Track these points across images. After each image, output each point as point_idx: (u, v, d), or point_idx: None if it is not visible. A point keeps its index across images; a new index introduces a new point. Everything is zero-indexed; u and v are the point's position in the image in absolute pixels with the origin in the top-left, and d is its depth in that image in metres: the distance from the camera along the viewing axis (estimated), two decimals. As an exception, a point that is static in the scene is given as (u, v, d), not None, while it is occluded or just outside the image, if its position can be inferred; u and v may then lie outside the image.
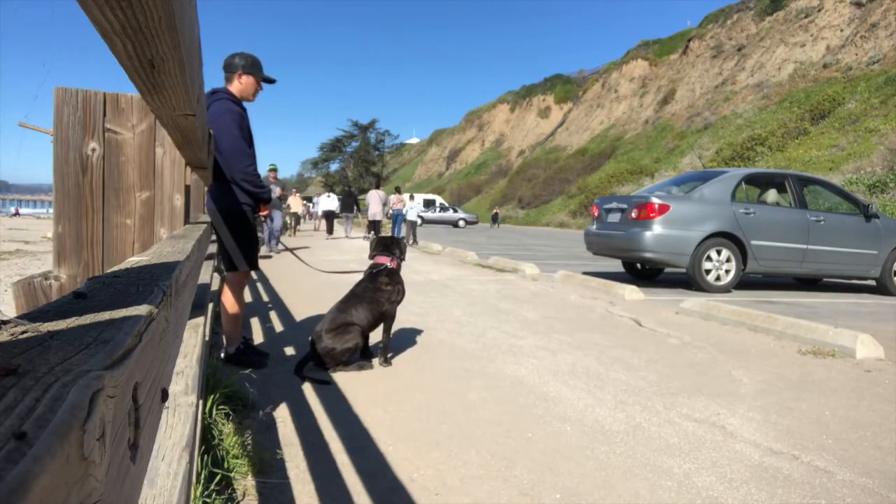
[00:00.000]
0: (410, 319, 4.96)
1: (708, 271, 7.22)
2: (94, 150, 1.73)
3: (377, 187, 17.93)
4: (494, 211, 41.66)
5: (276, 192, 11.85)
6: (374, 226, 16.81)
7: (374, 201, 16.75)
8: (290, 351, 3.94)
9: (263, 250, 11.39)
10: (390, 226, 18.28)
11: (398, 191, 18.29)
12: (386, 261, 3.71)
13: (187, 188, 2.01)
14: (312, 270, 8.39)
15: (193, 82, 0.92)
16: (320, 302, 5.43)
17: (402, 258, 3.80)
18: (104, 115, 1.74)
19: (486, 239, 21.44)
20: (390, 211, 17.50)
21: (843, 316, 5.85)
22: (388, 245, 3.81)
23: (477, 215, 42.49)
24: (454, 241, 17.60)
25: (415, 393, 3.10)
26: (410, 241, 16.10)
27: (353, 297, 3.60)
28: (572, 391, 3.18)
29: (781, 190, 7.84)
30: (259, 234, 8.85)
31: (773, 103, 33.13)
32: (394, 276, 3.67)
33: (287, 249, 8.65)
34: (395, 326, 3.97)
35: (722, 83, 40.42)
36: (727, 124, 34.43)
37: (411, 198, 18.59)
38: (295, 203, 21.04)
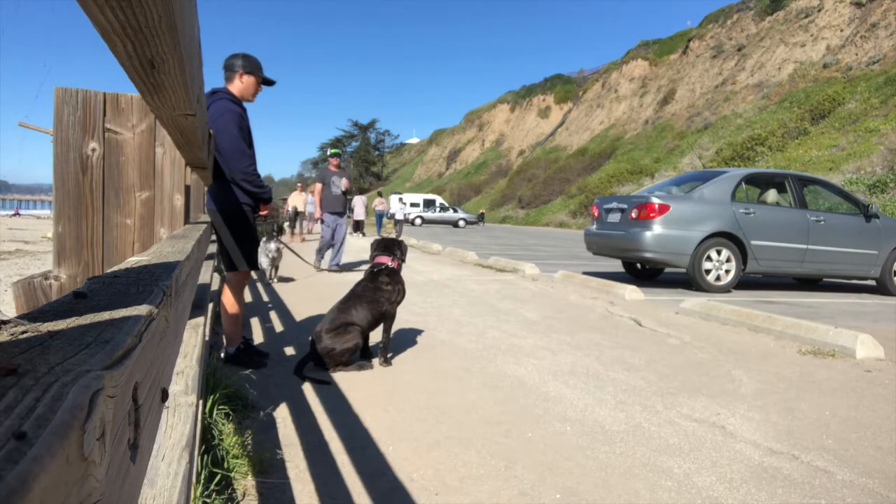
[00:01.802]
0: (410, 319, 4.96)
1: (708, 271, 7.22)
2: (94, 150, 1.74)
3: (360, 193, 23.91)
4: (481, 211, 45.12)
5: (341, 184, 8.59)
6: (358, 224, 21.16)
7: (358, 205, 21.20)
8: (290, 351, 3.94)
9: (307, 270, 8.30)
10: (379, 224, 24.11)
11: (380, 195, 24.50)
12: (387, 261, 3.71)
13: (187, 188, 2.01)
14: (313, 270, 8.40)
15: (193, 82, 0.92)
16: (320, 302, 5.42)
17: (403, 259, 3.81)
18: (104, 115, 1.74)
19: (486, 239, 21.44)
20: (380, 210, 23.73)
21: (843, 316, 5.85)
22: (389, 246, 3.82)
23: (485, 214, 42.94)
24: (454, 241, 17.60)
25: (415, 393, 3.10)
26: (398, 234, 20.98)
27: (354, 297, 3.60)
28: (572, 391, 3.18)
29: (781, 190, 7.84)
30: (278, 248, 7.09)
31: (773, 103, 33.14)
32: (394, 275, 3.67)
33: (337, 269, 7.72)
34: (396, 326, 3.97)
35: (722, 83, 40.43)
36: (727, 124, 34.43)
37: (400, 200, 26.96)
38: (299, 200, 19.49)
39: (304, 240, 19.16)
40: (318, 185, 8.76)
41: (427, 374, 3.44)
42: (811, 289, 8.32)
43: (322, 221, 8.80)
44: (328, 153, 9.17)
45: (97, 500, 0.30)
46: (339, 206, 8.72)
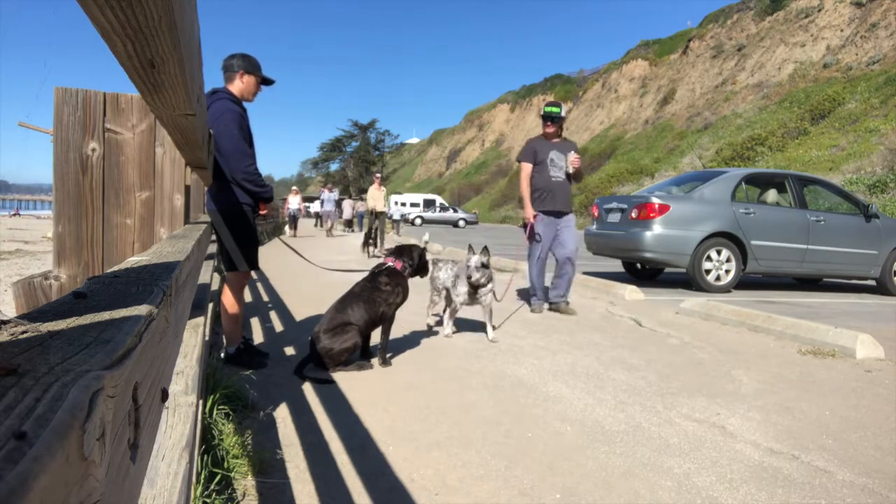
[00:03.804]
0: (410, 319, 4.96)
1: (708, 271, 7.22)
2: (94, 149, 1.73)
3: (350, 197, 28.43)
4: (474, 211, 46.18)
5: (569, 162, 5.38)
6: (348, 223, 25.70)
7: (346, 207, 25.86)
8: (290, 351, 3.94)
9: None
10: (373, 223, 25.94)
11: (362, 199, 26.56)
12: (390, 261, 3.71)
13: (187, 188, 2.01)
14: (313, 270, 8.40)
15: (193, 82, 0.92)
16: (321, 302, 5.42)
17: (410, 265, 3.76)
18: (104, 115, 1.74)
19: (486, 239, 21.44)
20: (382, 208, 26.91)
21: (843, 316, 5.85)
22: (401, 251, 3.78)
23: (477, 214, 42.94)
24: (454, 242, 17.59)
25: (415, 393, 3.10)
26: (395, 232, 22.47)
27: (351, 296, 3.59)
28: (572, 391, 3.18)
29: (781, 190, 7.84)
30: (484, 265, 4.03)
31: (773, 103, 33.12)
32: (395, 276, 3.65)
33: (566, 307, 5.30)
34: (396, 326, 3.96)
35: (722, 83, 40.42)
36: (727, 124, 34.42)
37: (395, 202, 31.79)
38: (376, 198, 13.84)
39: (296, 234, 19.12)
40: (527, 167, 5.49)
41: (427, 374, 3.44)
42: (811, 289, 8.32)
43: (528, 226, 5.51)
44: (542, 112, 5.52)
45: (97, 500, 0.30)
46: (562, 202, 5.40)
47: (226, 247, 3.45)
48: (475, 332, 4.61)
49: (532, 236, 5.47)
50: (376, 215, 13.57)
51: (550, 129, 5.49)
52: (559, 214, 5.47)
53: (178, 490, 1.00)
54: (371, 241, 12.57)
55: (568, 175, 5.47)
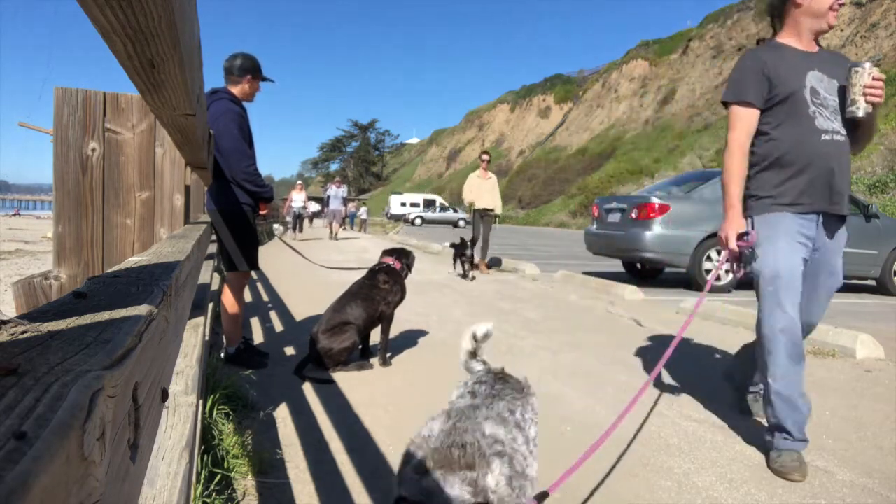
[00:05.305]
0: (411, 319, 4.96)
1: (708, 271, 7.22)
2: (94, 149, 1.73)
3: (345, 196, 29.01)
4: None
5: (864, 85, 2.31)
6: (343, 221, 24.61)
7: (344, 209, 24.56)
8: (290, 351, 3.94)
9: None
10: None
11: (359, 199, 31.85)
12: (390, 261, 3.72)
13: (187, 188, 2.01)
14: (313, 270, 8.39)
15: (193, 82, 0.92)
16: (321, 301, 5.41)
17: (408, 266, 3.80)
18: (104, 114, 1.74)
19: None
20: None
21: (843, 316, 5.84)
22: (399, 254, 3.82)
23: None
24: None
25: (415, 393, 3.10)
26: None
27: (349, 295, 3.59)
28: (572, 391, 3.18)
29: (781, 190, 7.82)
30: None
31: (773, 103, 33.10)
32: (393, 275, 3.67)
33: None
34: (396, 326, 3.96)
35: (722, 83, 40.41)
36: (727, 124, 34.41)
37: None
38: (479, 189, 8.94)
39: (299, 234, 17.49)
40: (746, 116, 2.59)
41: (427, 374, 3.44)
42: (811, 289, 8.31)
43: (727, 254, 2.46)
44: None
45: (97, 500, 0.30)
46: (838, 192, 2.35)
47: (226, 247, 3.46)
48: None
49: (737, 272, 2.56)
50: (481, 215, 8.96)
51: (836, 13, 2.48)
52: (836, 221, 2.46)
53: (178, 490, 1.00)
54: (464, 256, 8.15)
55: (852, 125, 2.42)
